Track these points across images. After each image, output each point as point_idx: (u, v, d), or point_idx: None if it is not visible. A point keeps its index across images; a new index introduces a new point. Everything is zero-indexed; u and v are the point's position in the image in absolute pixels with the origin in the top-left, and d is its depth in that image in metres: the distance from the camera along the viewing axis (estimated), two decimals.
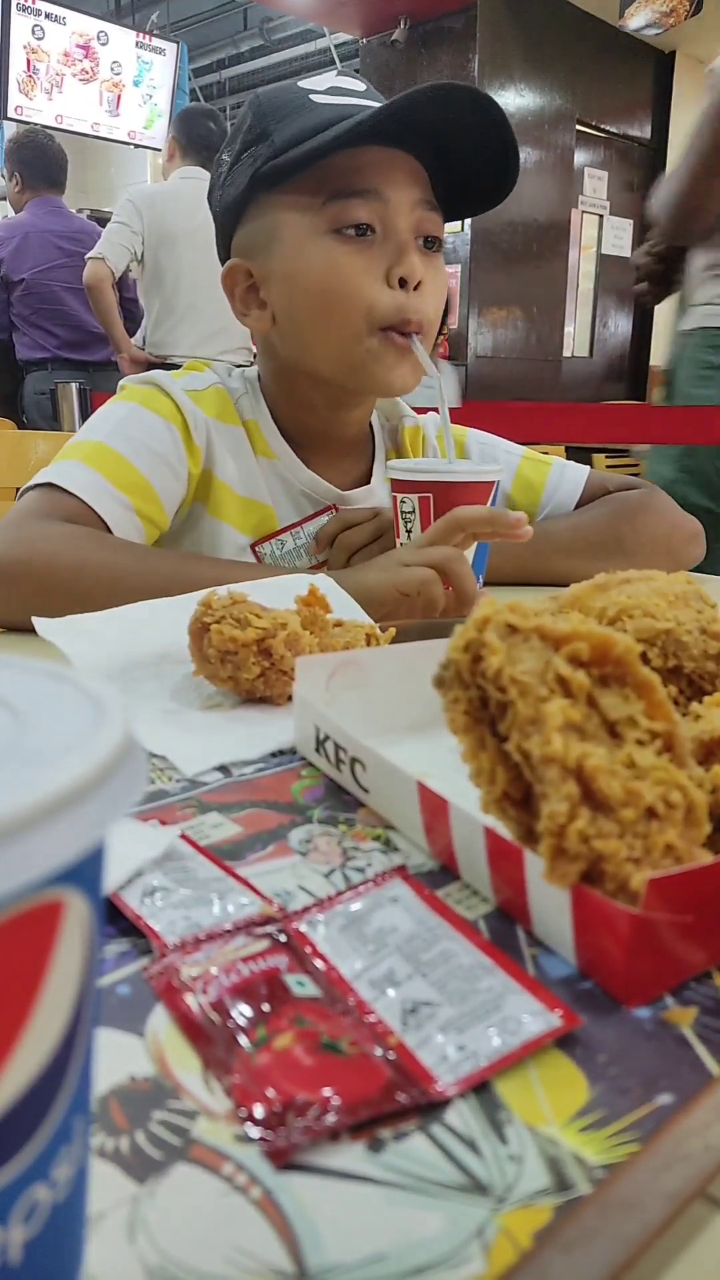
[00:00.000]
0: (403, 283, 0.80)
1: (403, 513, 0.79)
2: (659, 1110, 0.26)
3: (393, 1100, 0.25)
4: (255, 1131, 0.24)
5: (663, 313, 7.06)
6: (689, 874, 0.30)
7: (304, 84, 0.83)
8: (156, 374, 0.89)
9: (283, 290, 0.83)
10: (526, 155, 5.54)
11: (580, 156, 5.99)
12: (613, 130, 6.17)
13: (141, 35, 5.15)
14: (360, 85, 0.85)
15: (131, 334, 3.24)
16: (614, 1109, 0.26)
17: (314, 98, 0.81)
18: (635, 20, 4.46)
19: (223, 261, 0.90)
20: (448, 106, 0.77)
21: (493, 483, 0.78)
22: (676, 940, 0.30)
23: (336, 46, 6.31)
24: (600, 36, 5.69)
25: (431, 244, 0.83)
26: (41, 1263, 0.16)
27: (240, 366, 0.96)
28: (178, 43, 5.31)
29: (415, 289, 0.80)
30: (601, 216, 6.32)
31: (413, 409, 1.03)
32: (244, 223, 0.86)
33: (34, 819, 0.14)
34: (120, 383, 0.90)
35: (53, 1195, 0.16)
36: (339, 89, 0.83)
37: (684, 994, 0.30)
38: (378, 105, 0.78)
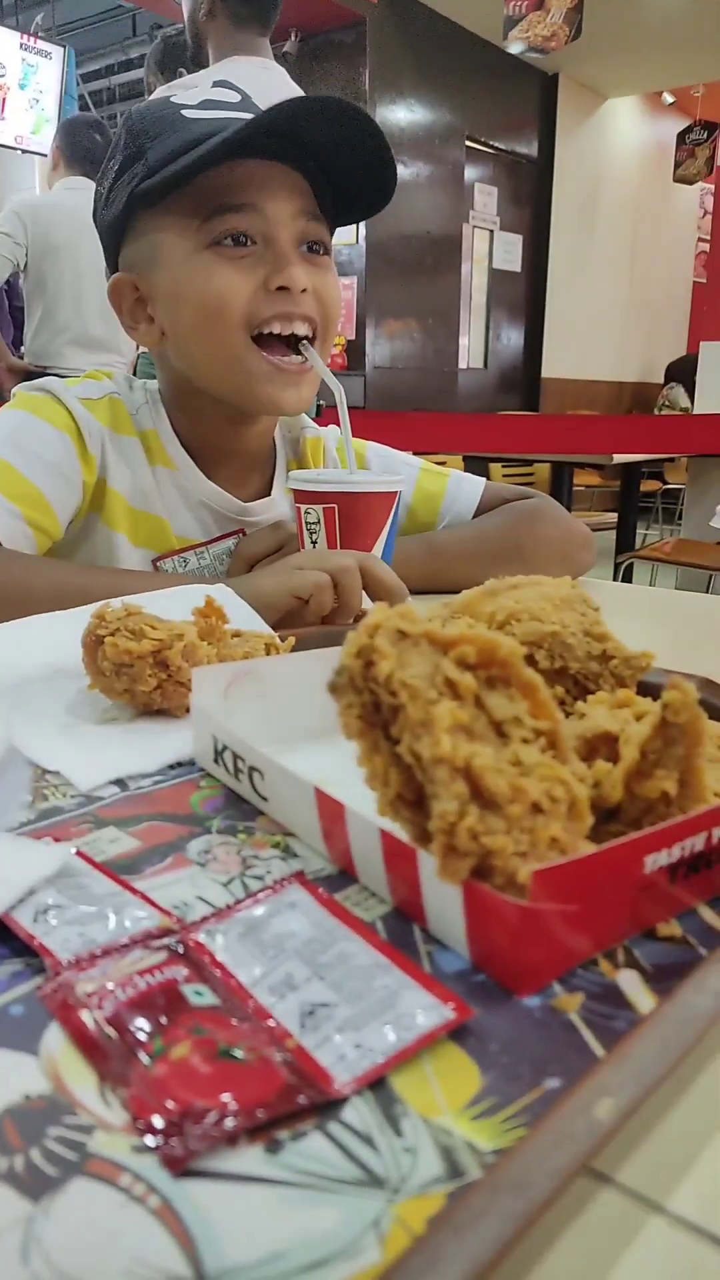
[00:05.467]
0: (283, 291, 0.79)
1: (307, 524, 0.79)
2: (547, 1094, 0.27)
3: (291, 1102, 0.26)
4: (153, 1141, 0.24)
5: (552, 327, 7.26)
6: (573, 865, 0.31)
7: (177, 99, 0.82)
8: (50, 381, 0.88)
9: (167, 307, 0.83)
10: (418, 170, 5.64)
11: (470, 172, 6.14)
12: (501, 147, 6.34)
13: (26, 37, 5.04)
14: (234, 96, 0.84)
15: (19, 343, 3.17)
16: (505, 1095, 0.27)
17: (186, 113, 0.80)
18: (514, 46, 4.60)
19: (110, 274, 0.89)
20: (323, 118, 0.77)
21: (395, 493, 0.79)
22: (563, 929, 0.31)
23: None
24: (487, 56, 5.86)
25: (317, 249, 0.83)
26: None
27: (145, 379, 0.95)
28: (64, 46, 5.21)
29: (303, 293, 0.80)
30: (492, 231, 6.49)
31: (313, 420, 1.04)
32: (128, 240, 0.85)
33: None
34: (13, 390, 0.88)
35: None
36: (212, 102, 0.82)
37: (571, 981, 0.32)
38: (250, 118, 0.79)
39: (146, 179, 0.79)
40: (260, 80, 1.86)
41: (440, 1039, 0.28)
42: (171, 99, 0.83)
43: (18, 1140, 0.24)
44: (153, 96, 1.91)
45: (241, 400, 0.84)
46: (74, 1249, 0.22)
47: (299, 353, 0.82)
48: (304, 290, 0.80)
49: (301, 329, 0.81)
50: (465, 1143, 0.25)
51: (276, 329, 0.80)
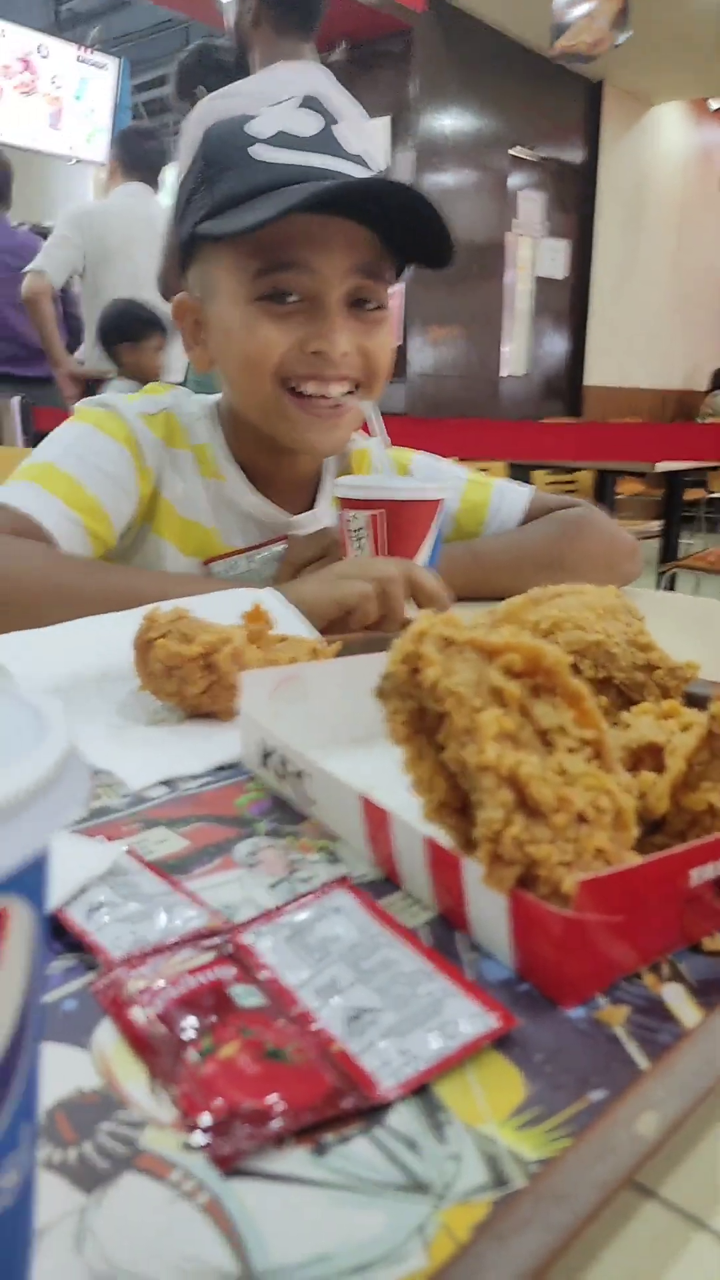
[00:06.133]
0: (321, 354, 0.80)
1: (352, 530, 0.79)
2: (591, 1106, 0.27)
3: (336, 1105, 0.26)
4: (202, 1139, 0.25)
5: (595, 334, 7.20)
6: (618, 876, 0.31)
7: (252, 127, 0.80)
8: (111, 397, 0.91)
9: (216, 343, 0.86)
10: (462, 177, 5.65)
11: (514, 179, 6.12)
12: (546, 154, 6.31)
13: (82, 50, 5.13)
14: (312, 128, 0.81)
15: (74, 348, 3.23)
16: (549, 1106, 0.27)
17: (255, 151, 0.79)
18: (559, 53, 4.55)
19: (167, 283, 0.91)
20: (384, 185, 0.77)
21: (440, 500, 0.79)
22: (608, 941, 0.31)
23: None
24: (533, 64, 5.84)
25: (368, 305, 0.83)
26: None
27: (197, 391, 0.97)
28: (119, 58, 5.30)
29: (343, 355, 0.80)
30: (537, 239, 6.45)
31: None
32: (193, 263, 0.87)
33: None
34: (75, 405, 0.91)
35: None
36: (287, 136, 0.80)
37: (616, 994, 0.32)
38: (321, 163, 0.78)
39: (209, 216, 0.80)
40: (336, 105, 1.83)
41: (484, 1047, 0.29)
42: (245, 119, 0.81)
43: (71, 1133, 0.25)
44: (232, 112, 1.84)
45: (281, 440, 0.86)
46: (125, 1241, 0.22)
47: None
48: (344, 353, 0.81)
49: (337, 390, 0.82)
50: (509, 1151, 0.25)
51: (310, 390, 0.82)
